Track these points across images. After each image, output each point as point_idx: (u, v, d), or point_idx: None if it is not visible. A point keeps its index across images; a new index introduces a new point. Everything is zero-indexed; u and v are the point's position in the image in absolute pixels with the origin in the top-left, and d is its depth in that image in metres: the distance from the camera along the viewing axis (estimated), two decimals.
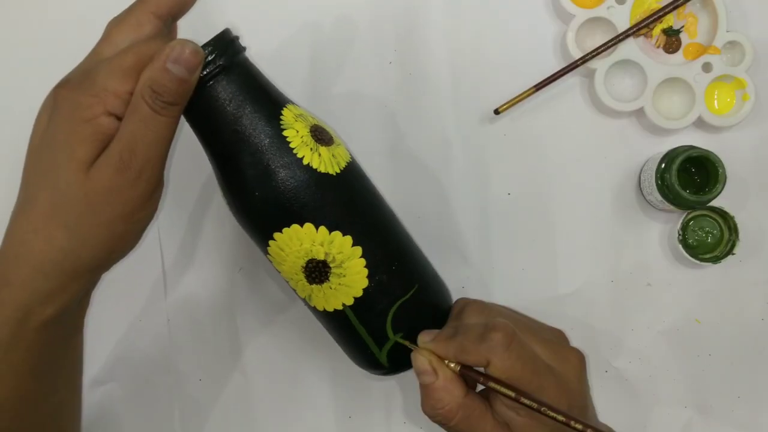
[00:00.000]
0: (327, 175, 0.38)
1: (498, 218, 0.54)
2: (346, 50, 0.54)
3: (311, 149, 0.38)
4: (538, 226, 0.54)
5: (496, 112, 0.52)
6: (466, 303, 0.43)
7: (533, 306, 0.54)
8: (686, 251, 0.51)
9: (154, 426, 0.54)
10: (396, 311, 0.41)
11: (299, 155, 0.37)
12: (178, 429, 0.54)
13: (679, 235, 0.52)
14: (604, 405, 0.54)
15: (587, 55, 0.51)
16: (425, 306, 0.42)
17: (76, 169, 0.33)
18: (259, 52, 0.53)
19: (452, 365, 0.39)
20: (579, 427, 0.36)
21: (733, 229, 0.51)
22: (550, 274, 0.54)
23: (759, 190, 0.53)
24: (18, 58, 0.53)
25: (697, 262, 0.51)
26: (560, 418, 0.36)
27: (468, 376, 0.39)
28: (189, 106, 0.36)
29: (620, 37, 0.51)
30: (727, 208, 0.51)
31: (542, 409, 0.36)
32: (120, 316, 0.54)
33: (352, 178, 0.40)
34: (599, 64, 0.52)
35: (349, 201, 0.39)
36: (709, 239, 0.53)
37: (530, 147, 0.54)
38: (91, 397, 0.54)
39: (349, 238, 0.39)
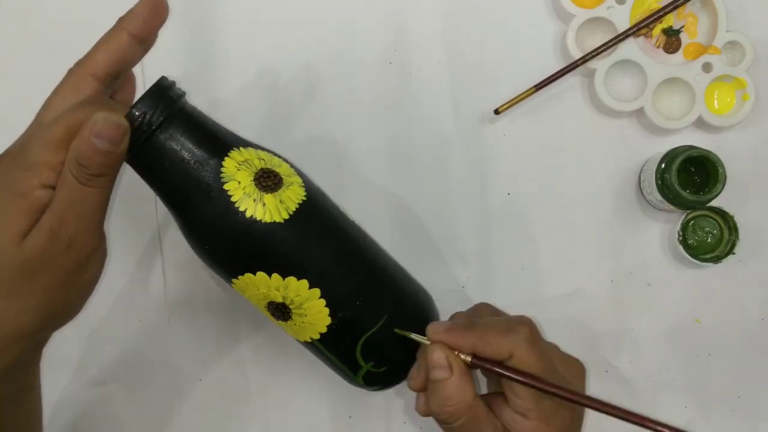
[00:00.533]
0: (273, 224, 0.37)
1: (498, 218, 0.54)
2: (346, 50, 0.54)
3: (254, 200, 0.37)
4: (538, 226, 0.54)
5: (496, 112, 0.52)
6: (475, 306, 0.43)
7: (533, 306, 0.54)
8: (686, 251, 0.51)
9: (154, 426, 0.54)
10: (364, 342, 0.41)
11: (241, 208, 0.36)
12: (178, 429, 0.54)
13: (679, 235, 0.52)
14: None
15: (587, 55, 0.51)
16: (396, 334, 0.41)
17: (11, 240, 0.34)
18: (258, 52, 0.54)
19: (464, 356, 0.39)
20: (619, 414, 0.37)
21: (733, 228, 0.51)
22: (550, 274, 0.54)
23: (759, 190, 0.53)
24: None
25: (698, 262, 0.51)
26: (593, 404, 0.37)
27: (483, 366, 0.39)
28: (132, 160, 0.36)
29: (620, 37, 0.51)
30: (726, 208, 0.51)
31: (569, 395, 0.37)
32: (120, 316, 0.54)
33: (304, 219, 0.38)
34: (599, 64, 0.52)
35: (301, 245, 0.38)
36: (709, 239, 0.53)
37: (530, 147, 0.54)
38: (91, 397, 0.54)
39: (305, 282, 0.38)
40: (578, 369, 0.41)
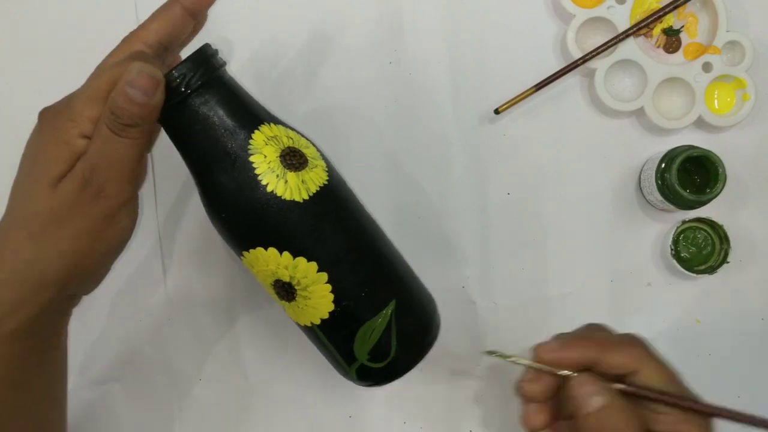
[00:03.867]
0: (292, 202, 0.37)
1: (498, 218, 0.54)
2: (347, 50, 0.54)
3: (277, 176, 0.37)
4: (538, 226, 0.54)
5: (496, 112, 0.52)
6: (585, 326, 0.41)
7: (533, 306, 0.54)
8: (681, 265, 0.51)
9: (154, 426, 0.54)
10: (363, 334, 0.40)
11: (263, 182, 0.37)
12: (178, 429, 0.54)
13: (672, 249, 0.52)
14: None
15: (587, 55, 0.51)
16: (394, 332, 0.41)
17: (46, 183, 0.35)
18: (258, 53, 0.54)
19: (615, 385, 0.35)
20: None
21: (723, 237, 0.52)
22: (549, 274, 0.54)
23: (759, 190, 0.53)
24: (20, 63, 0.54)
25: (693, 274, 0.51)
26: (744, 415, 0.35)
27: (636, 392, 0.35)
28: (165, 120, 0.37)
29: (620, 37, 0.51)
30: (723, 211, 0.51)
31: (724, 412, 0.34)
32: (120, 316, 0.54)
33: (323, 202, 0.39)
34: (599, 64, 0.52)
35: (316, 227, 0.38)
36: (702, 251, 0.53)
37: (530, 147, 0.54)
38: (91, 397, 0.54)
39: (314, 264, 0.38)
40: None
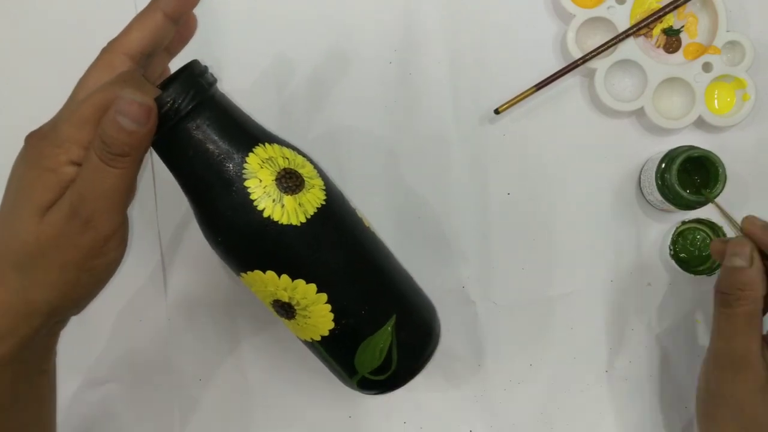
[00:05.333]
0: (290, 226, 0.37)
1: (498, 218, 0.54)
2: (346, 50, 0.54)
3: (274, 200, 0.36)
4: (538, 226, 0.54)
5: (496, 112, 0.52)
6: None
7: (533, 306, 0.54)
8: (679, 266, 0.51)
9: (154, 426, 0.54)
10: (363, 350, 0.40)
11: (260, 207, 0.36)
12: (178, 429, 0.54)
13: (671, 249, 0.52)
14: (605, 405, 0.54)
15: (587, 55, 0.51)
16: (397, 342, 0.41)
17: (33, 213, 0.34)
18: (258, 53, 0.54)
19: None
20: None
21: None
22: (550, 274, 0.54)
23: (759, 190, 0.53)
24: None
25: (691, 275, 0.51)
26: None
27: None
28: (156, 145, 0.36)
29: (620, 37, 0.51)
30: (714, 219, 0.52)
31: None
32: (120, 316, 0.54)
33: (321, 224, 0.38)
34: (599, 64, 0.52)
35: (314, 250, 0.38)
36: (701, 252, 0.53)
37: (530, 147, 0.54)
38: (91, 397, 0.54)
39: (313, 286, 0.38)
40: None
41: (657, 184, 0.50)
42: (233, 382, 0.54)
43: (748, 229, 0.44)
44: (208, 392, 0.54)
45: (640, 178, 0.53)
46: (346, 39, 0.54)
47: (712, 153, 0.49)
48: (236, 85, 0.53)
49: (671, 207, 0.50)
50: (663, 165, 0.50)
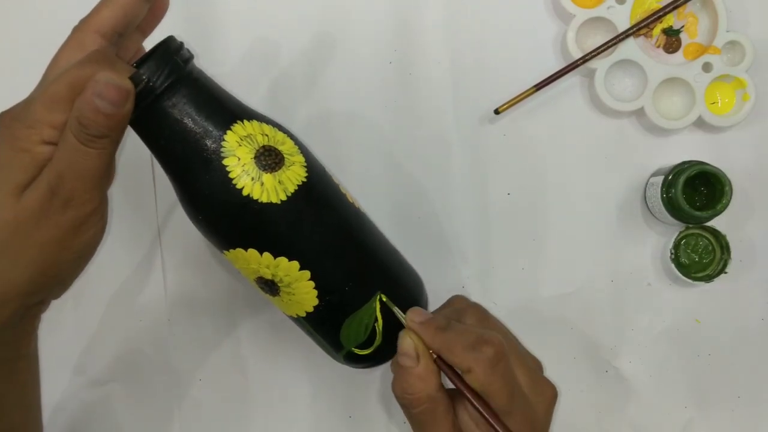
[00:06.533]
0: (269, 204, 0.36)
1: (498, 218, 0.54)
2: (346, 50, 0.54)
3: (252, 179, 0.36)
4: (537, 226, 0.54)
5: (496, 112, 0.52)
6: (467, 305, 0.43)
7: (533, 306, 0.54)
8: (679, 270, 0.51)
9: (154, 426, 0.54)
10: (348, 326, 0.40)
11: (238, 186, 0.36)
12: (178, 429, 0.54)
13: (672, 254, 0.52)
14: (604, 405, 0.54)
15: (587, 55, 0.51)
16: (382, 316, 0.41)
17: (9, 192, 0.33)
18: (258, 50, 0.53)
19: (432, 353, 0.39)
20: None
21: (725, 247, 0.51)
22: (550, 274, 0.54)
23: (759, 191, 0.53)
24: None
25: (690, 281, 0.51)
26: None
27: (443, 369, 0.39)
28: (133, 123, 0.35)
29: (620, 37, 0.51)
30: (723, 219, 0.51)
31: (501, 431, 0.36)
32: (120, 316, 0.54)
33: (302, 202, 0.37)
34: (599, 64, 0.52)
35: (295, 228, 0.37)
36: (702, 258, 0.53)
37: (530, 147, 0.54)
38: (91, 397, 0.54)
39: (295, 263, 0.38)
40: (548, 395, 0.41)
41: (662, 198, 0.50)
42: (233, 382, 0.54)
43: (409, 324, 0.39)
44: (208, 392, 0.54)
45: (645, 194, 0.53)
46: (346, 39, 0.54)
47: (720, 170, 0.49)
48: (235, 85, 0.53)
49: (677, 222, 0.51)
50: (670, 177, 0.50)
